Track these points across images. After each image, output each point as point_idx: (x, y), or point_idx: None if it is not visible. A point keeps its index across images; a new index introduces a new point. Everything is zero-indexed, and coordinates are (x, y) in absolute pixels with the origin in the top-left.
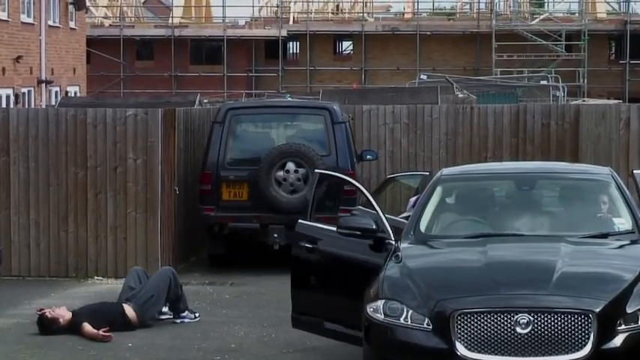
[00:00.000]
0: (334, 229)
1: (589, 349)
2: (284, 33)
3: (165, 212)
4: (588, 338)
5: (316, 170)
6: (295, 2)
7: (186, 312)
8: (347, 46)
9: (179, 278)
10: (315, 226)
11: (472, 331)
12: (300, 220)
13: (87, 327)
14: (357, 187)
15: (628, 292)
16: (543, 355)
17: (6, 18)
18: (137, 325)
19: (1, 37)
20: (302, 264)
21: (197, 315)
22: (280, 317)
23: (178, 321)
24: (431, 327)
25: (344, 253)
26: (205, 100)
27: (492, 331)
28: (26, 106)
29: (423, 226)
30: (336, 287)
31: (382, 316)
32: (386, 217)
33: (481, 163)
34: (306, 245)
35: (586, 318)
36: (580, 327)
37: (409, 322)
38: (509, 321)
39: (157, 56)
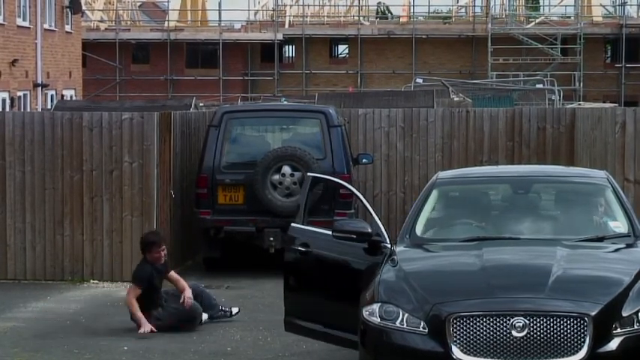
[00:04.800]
0: (328, 232)
1: (585, 352)
2: (280, 36)
3: (161, 216)
4: (584, 342)
5: (309, 174)
6: (291, 6)
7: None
8: (343, 49)
9: (205, 292)
10: (309, 229)
11: (468, 335)
12: (292, 224)
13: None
14: (350, 190)
15: (624, 296)
16: (539, 358)
17: (2, 21)
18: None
19: None
20: (295, 267)
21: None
22: (276, 320)
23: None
24: (427, 330)
25: (338, 256)
26: (201, 104)
27: (488, 335)
28: (22, 110)
29: (418, 230)
30: (329, 291)
31: (378, 320)
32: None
33: (477, 167)
34: (299, 249)
35: (582, 321)
36: (576, 330)
37: (405, 326)
38: (505, 324)
39: (152, 60)
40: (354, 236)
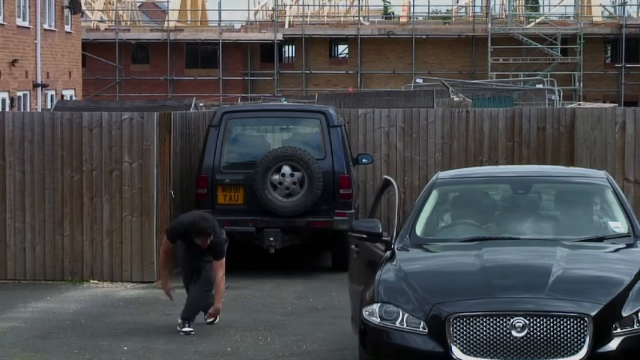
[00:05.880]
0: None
1: (585, 352)
2: (279, 37)
3: (161, 216)
4: (584, 342)
5: (384, 176)
6: (291, 6)
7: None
8: (342, 49)
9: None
10: None
11: (468, 335)
12: (355, 221)
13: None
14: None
15: (624, 296)
16: (539, 358)
17: (1, 22)
18: None
19: None
20: (356, 265)
21: None
22: (275, 320)
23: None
24: (427, 330)
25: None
26: (201, 104)
27: (488, 335)
28: (22, 110)
29: (418, 230)
30: None
31: (378, 320)
32: None
33: (477, 167)
34: (355, 248)
35: (582, 321)
36: (576, 330)
37: (405, 326)
38: (505, 324)
39: (152, 60)
40: (365, 236)
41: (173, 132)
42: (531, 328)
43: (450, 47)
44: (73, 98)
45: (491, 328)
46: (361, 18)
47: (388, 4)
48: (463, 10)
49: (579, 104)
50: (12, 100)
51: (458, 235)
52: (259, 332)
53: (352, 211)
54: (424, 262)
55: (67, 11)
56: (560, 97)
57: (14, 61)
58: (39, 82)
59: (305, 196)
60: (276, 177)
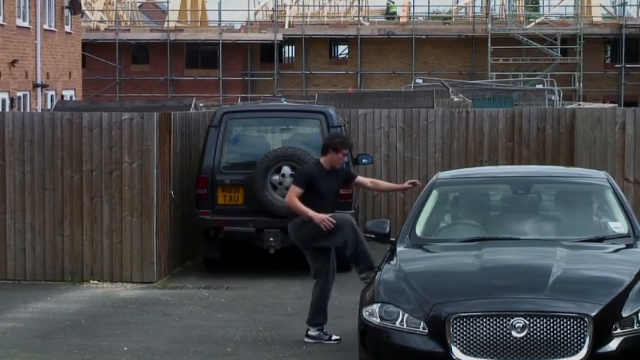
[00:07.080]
0: None
1: (585, 352)
2: (279, 37)
3: (161, 216)
4: (584, 342)
5: None
6: (291, 6)
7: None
8: (342, 50)
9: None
10: None
11: (468, 335)
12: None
13: None
14: None
15: (624, 296)
16: (539, 358)
17: (1, 22)
18: None
19: None
20: None
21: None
22: (276, 321)
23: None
24: (427, 331)
25: None
26: (201, 104)
27: (488, 335)
28: (22, 110)
29: (418, 230)
30: None
31: (378, 320)
32: None
33: (477, 167)
34: None
35: (582, 322)
36: (576, 331)
37: (405, 326)
38: (505, 325)
39: (152, 60)
40: (374, 236)
41: (173, 132)
42: (531, 329)
43: (450, 47)
44: (73, 98)
45: (491, 329)
46: (361, 18)
47: (391, 4)
48: (463, 10)
49: (579, 104)
50: (12, 100)
51: (458, 235)
52: (259, 332)
53: (352, 211)
54: (424, 262)
55: (67, 11)
56: (560, 97)
57: (14, 61)
58: (39, 82)
59: None
60: (276, 177)
